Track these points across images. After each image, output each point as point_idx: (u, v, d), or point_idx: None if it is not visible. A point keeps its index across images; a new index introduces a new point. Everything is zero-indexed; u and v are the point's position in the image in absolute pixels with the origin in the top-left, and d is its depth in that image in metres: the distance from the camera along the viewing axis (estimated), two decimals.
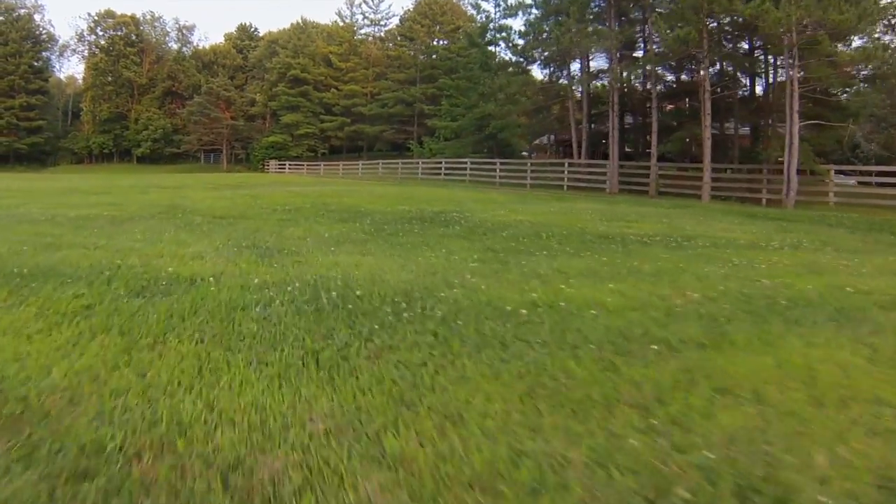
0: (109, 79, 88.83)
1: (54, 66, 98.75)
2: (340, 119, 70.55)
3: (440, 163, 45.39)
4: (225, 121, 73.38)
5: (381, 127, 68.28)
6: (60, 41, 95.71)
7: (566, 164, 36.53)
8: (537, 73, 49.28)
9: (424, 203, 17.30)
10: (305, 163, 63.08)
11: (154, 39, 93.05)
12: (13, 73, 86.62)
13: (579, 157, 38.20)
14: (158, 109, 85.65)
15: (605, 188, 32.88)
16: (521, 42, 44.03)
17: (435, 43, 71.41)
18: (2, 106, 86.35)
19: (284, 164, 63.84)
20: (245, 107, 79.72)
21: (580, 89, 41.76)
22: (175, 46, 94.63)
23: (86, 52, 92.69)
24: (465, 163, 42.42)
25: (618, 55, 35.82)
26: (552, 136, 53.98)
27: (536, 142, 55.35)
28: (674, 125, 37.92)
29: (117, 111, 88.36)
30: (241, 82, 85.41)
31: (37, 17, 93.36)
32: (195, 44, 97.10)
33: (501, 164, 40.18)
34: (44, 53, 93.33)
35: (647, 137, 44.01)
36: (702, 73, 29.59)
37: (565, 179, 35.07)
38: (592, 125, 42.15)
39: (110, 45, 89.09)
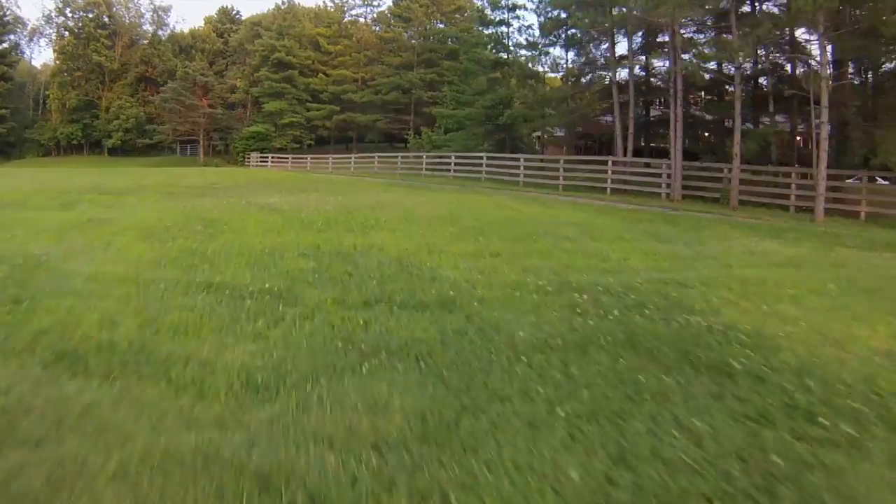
0: (79, 64, 79.64)
1: (24, 52, 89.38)
2: (329, 107, 61.65)
3: (448, 158, 37.16)
4: (202, 109, 64.30)
5: (373, 116, 59.58)
6: (31, 24, 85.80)
7: (609, 163, 28.58)
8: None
9: (548, 257, 8.74)
10: (290, 155, 54.23)
11: (128, 21, 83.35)
12: None
13: (624, 154, 30.55)
14: (131, 97, 76.21)
15: (661, 193, 25.29)
16: (555, 13, 36.50)
17: (434, 25, 62.38)
18: None
19: (267, 158, 55.16)
20: (224, 94, 70.80)
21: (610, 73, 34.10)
22: (150, 29, 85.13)
23: (53, 34, 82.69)
24: (481, 158, 34.29)
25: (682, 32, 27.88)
26: (564, 129, 46.13)
27: (540, 135, 47.56)
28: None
29: (87, 99, 78.85)
30: (221, 68, 76.01)
31: None
32: (172, 27, 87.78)
33: (526, 160, 32.35)
34: (10, 37, 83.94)
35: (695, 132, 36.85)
36: (826, 51, 21.54)
37: (608, 181, 27.35)
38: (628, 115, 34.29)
39: (79, 27, 79.59)
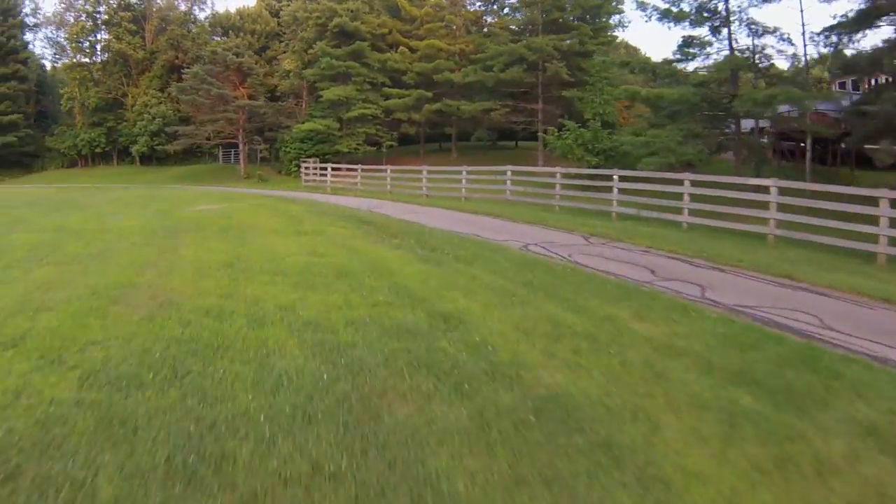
0: (105, 56, 63.36)
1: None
2: (416, 93, 42.28)
3: (679, 186, 17.06)
4: (237, 100, 45.67)
5: (483, 104, 40.11)
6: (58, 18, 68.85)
7: None
8: None
9: None
10: (360, 166, 34.98)
11: (161, 2, 65.74)
12: None
13: None
14: (159, 91, 58.91)
15: None
16: None
17: None
18: None
19: (326, 168, 36.32)
20: (273, 81, 52.50)
21: None
22: (183, 7, 67.06)
23: (72, 20, 65.36)
24: (767, 190, 14.59)
25: None
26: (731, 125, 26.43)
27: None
28: None
29: (109, 97, 62.20)
30: (274, 53, 57.71)
31: None
32: (211, 5, 70.29)
33: None
34: (24, 34, 68.14)
35: None
36: None
37: None
38: None
39: (97, 11, 62.75)
